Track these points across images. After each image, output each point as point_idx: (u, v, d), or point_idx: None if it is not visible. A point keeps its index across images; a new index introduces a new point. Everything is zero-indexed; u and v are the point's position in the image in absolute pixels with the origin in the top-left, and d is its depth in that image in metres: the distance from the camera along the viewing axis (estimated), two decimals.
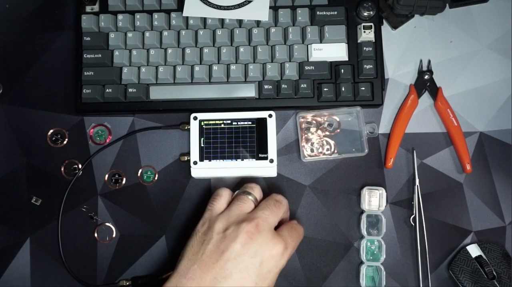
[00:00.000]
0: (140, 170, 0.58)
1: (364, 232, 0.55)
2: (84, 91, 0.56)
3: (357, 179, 0.57)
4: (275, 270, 0.45)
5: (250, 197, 0.49)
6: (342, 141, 0.58)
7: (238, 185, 0.57)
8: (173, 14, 0.58)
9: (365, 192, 0.55)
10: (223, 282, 0.42)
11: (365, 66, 0.56)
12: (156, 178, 0.58)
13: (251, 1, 0.57)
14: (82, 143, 0.58)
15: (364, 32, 0.56)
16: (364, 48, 0.56)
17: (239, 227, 0.44)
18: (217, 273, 0.43)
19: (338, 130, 0.58)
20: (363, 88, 0.56)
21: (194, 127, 0.56)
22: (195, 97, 0.56)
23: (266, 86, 0.56)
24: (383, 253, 0.55)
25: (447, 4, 0.60)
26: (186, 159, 0.56)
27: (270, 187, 0.57)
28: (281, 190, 0.57)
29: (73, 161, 0.58)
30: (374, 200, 0.55)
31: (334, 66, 0.57)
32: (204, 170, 0.56)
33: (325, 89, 0.56)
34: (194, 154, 0.56)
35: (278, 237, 0.45)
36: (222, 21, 0.57)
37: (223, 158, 0.56)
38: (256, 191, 0.50)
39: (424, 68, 0.59)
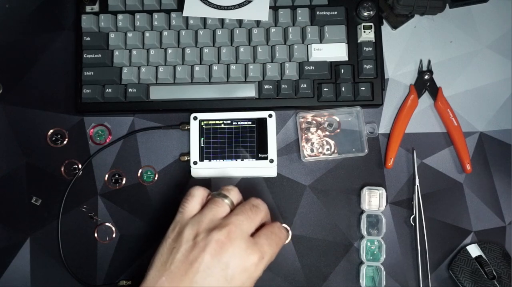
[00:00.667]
0: (140, 170, 0.58)
1: (364, 232, 0.55)
2: (84, 91, 0.57)
3: (357, 179, 0.57)
4: (249, 282, 0.41)
5: (226, 200, 0.45)
6: (342, 141, 0.58)
7: (238, 185, 0.57)
8: (173, 14, 0.58)
9: (365, 192, 0.55)
10: None
11: (365, 66, 0.56)
12: (156, 178, 0.58)
13: (251, 1, 0.57)
14: (82, 143, 0.58)
15: (364, 32, 0.56)
16: (364, 48, 0.56)
17: (209, 235, 0.41)
18: None
19: (338, 130, 0.58)
20: (363, 88, 0.56)
21: (194, 127, 0.56)
22: (195, 97, 0.56)
23: (266, 86, 0.56)
24: (383, 253, 0.55)
25: (447, 4, 0.60)
26: (186, 159, 0.56)
27: (270, 187, 0.57)
28: (281, 190, 0.57)
29: (73, 161, 0.58)
30: (374, 200, 0.55)
31: (334, 66, 0.57)
32: (204, 170, 0.56)
33: (325, 89, 0.56)
34: (194, 154, 0.56)
35: (252, 247, 0.41)
36: (222, 21, 0.57)
37: (223, 158, 0.56)
38: (233, 194, 0.46)
39: (424, 68, 0.59)
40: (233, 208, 0.45)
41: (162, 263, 0.42)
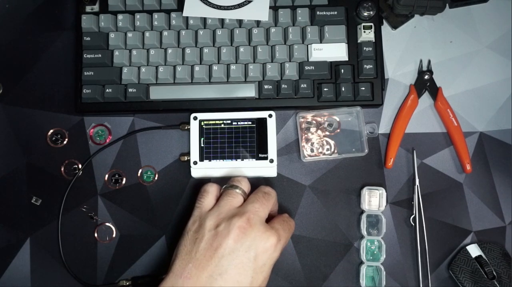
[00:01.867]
0: (140, 170, 0.58)
1: (364, 232, 0.55)
2: (84, 91, 0.57)
3: (357, 179, 0.57)
4: (269, 262, 0.45)
5: (238, 190, 0.48)
6: (342, 141, 0.58)
7: None
8: (173, 14, 0.58)
9: (365, 192, 0.55)
10: (219, 279, 0.42)
11: (365, 66, 0.56)
12: (156, 178, 0.58)
13: (251, 1, 0.57)
14: (82, 143, 0.58)
15: (364, 32, 0.56)
16: (364, 48, 0.56)
17: (231, 223, 0.44)
18: (213, 271, 0.43)
19: (338, 130, 0.58)
20: (363, 88, 0.56)
21: (194, 127, 0.56)
22: (195, 97, 0.56)
23: (266, 86, 0.56)
24: (383, 253, 0.55)
25: (447, 4, 0.60)
26: (186, 159, 0.56)
27: (270, 187, 0.57)
28: (281, 190, 0.57)
29: (73, 161, 0.58)
30: (374, 200, 0.55)
31: (334, 66, 0.57)
32: (204, 170, 0.56)
33: (325, 89, 0.56)
34: (194, 154, 0.56)
35: (270, 230, 0.45)
36: (222, 21, 0.57)
37: (223, 158, 0.56)
38: (243, 184, 0.49)
39: (424, 68, 0.59)
40: (246, 196, 0.49)
41: (187, 253, 0.44)
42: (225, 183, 0.49)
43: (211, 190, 0.49)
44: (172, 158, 0.58)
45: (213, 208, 0.47)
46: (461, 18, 0.60)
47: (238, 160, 0.55)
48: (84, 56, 0.57)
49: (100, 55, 0.57)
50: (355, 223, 0.56)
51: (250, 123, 0.56)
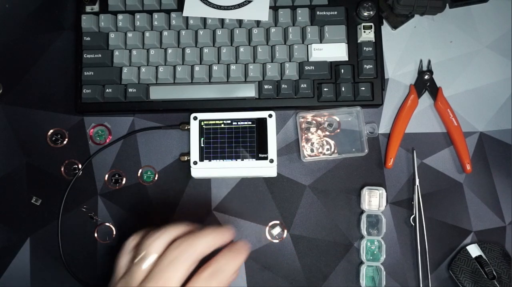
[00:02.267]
0: (140, 170, 0.58)
1: (364, 232, 0.55)
2: (84, 91, 0.57)
3: (357, 179, 0.57)
4: None
5: (137, 268, 0.39)
6: (342, 141, 0.58)
7: (238, 185, 0.57)
8: (173, 14, 0.58)
9: (365, 192, 0.55)
10: None
11: (365, 66, 0.56)
12: (156, 178, 0.58)
13: (251, 1, 0.57)
14: (82, 143, 0.58)
15: (364, 32, 0.56)
16: (364, 48, 0.56)
17: None
18: None
19: (338, 130, 0.58)
20: (363, 88, 0.56)
21: (194, 127, 0.56)
22: (195, 97, 0.56)
23: (266, 86, 0.56)
24: (383, 253, 0.55)
25: (447, 4, 0.60)
26: (186, 159, 0.56)
27: (270, 187, 0.57)
28: (281, 190, 0.57)
29: (73, 161, 0.58)
30: (374, 200, 0.55)
31: (334, 66, 0.57)
32: (204, 170, 0.56)
33: (325, 89, 0.56)
34: (194, 154, 0.56)
35: None
36: (222, 21, 0.57)
37: (223, 158, 0.56)
38: (154, 246, 0.40)
39: (424, 68, 0.59)
40: (159, 256, 0.40)
41: None
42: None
43: (128, 250, 0.42)
44: (172, 158, 0.58)
45: (120, 279, 0.40)
46: (461, 18, 0.60)
47: (238, 160, 0.55)
48: (84, 56, 0.57)
49: (100, 55, 0.57)
50: (355, 223, 0.56)
51: (250, 123, 0.56)
